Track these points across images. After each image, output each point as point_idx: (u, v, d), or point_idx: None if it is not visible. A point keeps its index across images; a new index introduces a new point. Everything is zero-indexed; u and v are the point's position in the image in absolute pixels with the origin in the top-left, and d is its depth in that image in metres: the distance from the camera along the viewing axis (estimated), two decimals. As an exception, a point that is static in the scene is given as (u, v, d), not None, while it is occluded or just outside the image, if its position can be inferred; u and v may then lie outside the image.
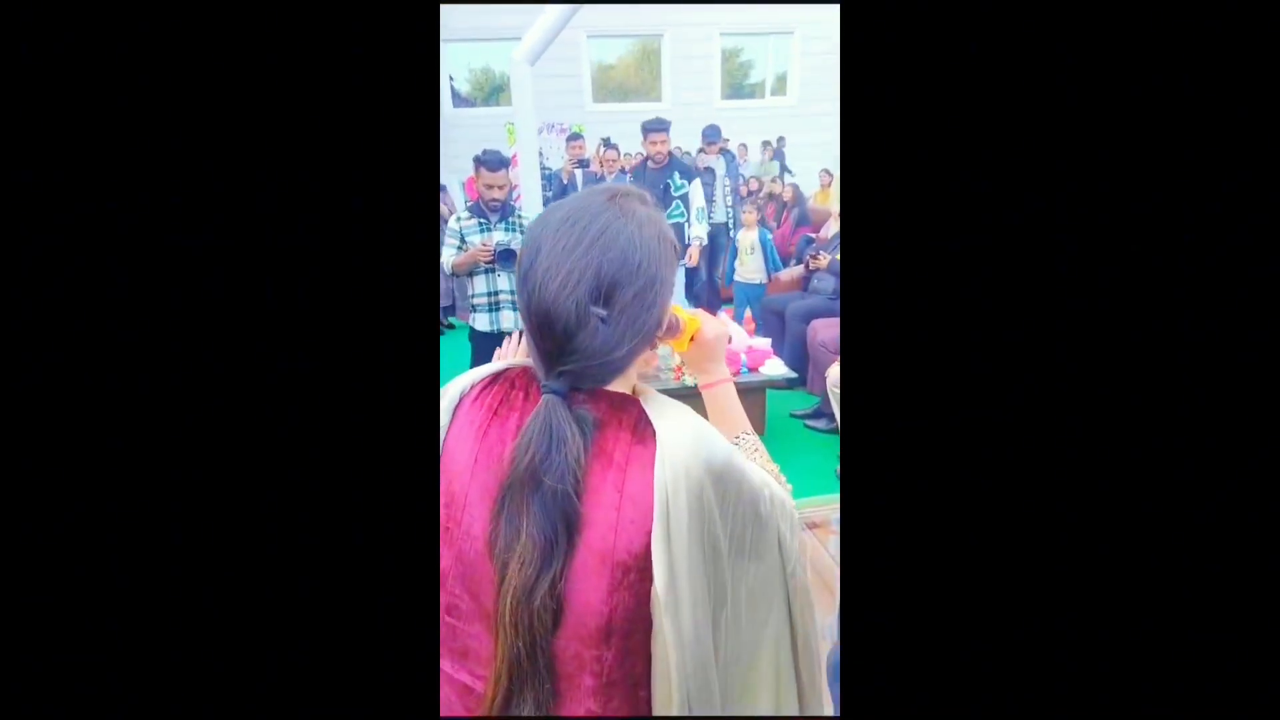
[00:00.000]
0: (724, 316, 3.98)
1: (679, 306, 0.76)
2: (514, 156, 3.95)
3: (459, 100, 10.03)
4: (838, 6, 0.46)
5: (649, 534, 0.57)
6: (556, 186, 5.76)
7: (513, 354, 0.84)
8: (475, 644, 0.61)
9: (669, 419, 0.61)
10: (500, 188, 2.68)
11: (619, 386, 0.64)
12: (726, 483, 0.61)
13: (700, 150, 4.65)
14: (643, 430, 0.61)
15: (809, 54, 9.81)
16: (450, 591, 0.62)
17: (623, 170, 5.09)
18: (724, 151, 4.94)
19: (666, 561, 0.57)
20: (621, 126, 9.31)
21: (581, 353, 0.59)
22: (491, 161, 2.70)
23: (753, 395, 3.08)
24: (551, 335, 0.59)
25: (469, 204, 2.93)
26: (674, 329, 0.73)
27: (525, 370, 0.67)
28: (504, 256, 2.65)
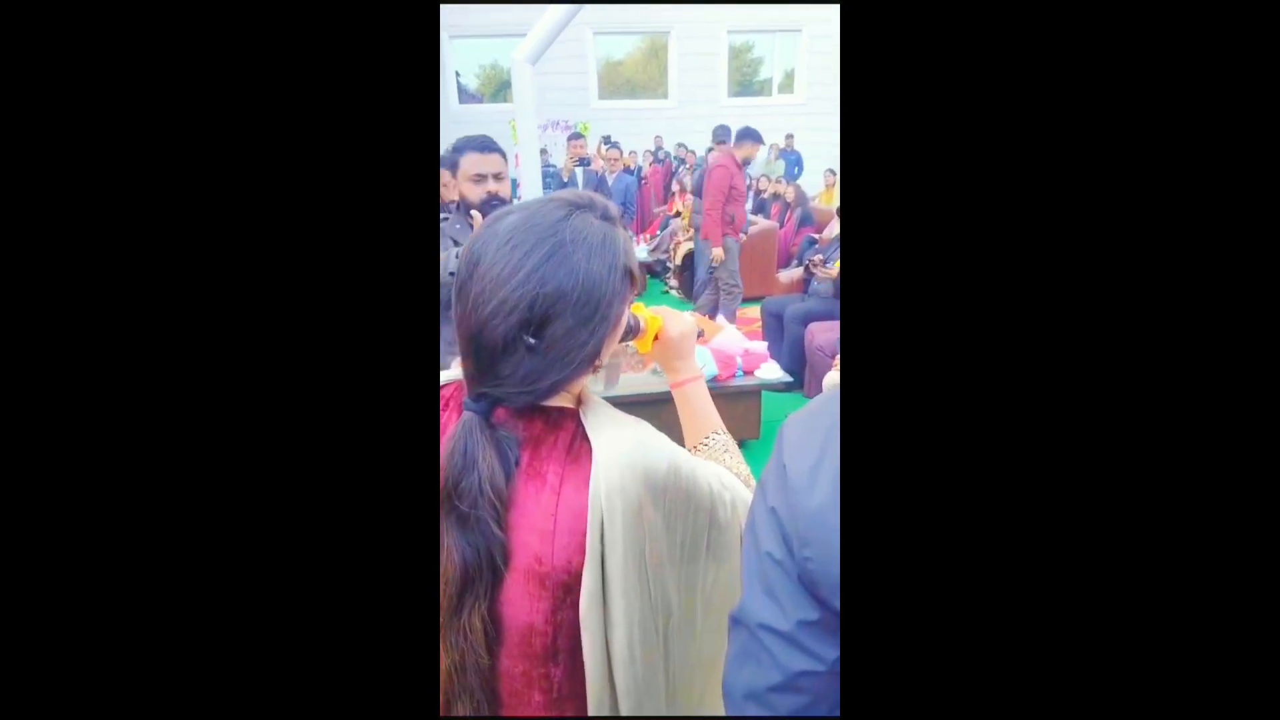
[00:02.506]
0: (721, 318, 3.97)
1: (640, 305, 0.74)
2: (516, 156, 3.95)
3: (466, 96, 10.03)
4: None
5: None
6: (556, 185, 5.75)
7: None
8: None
9: (606, 434, 0.59)
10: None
11: (560, 399, 0.62)
12: (672, 493, 0.60)
13: (710, 149, 4.64)
14: (578, 448, 0.59)
15: (816, 52, 9.76)
16: None
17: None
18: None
19: (597, 582, 0.57)
20: (627, 124, 9.31)
21: (504, 379, 0.57)
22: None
23: (748, 399, 3.07)
24: (477, 358, 0.57)
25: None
26: (635, 330, 0.72)
27: (460, 388, 0.65)
28: None
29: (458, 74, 9.84)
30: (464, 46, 9.62)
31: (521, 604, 0.58)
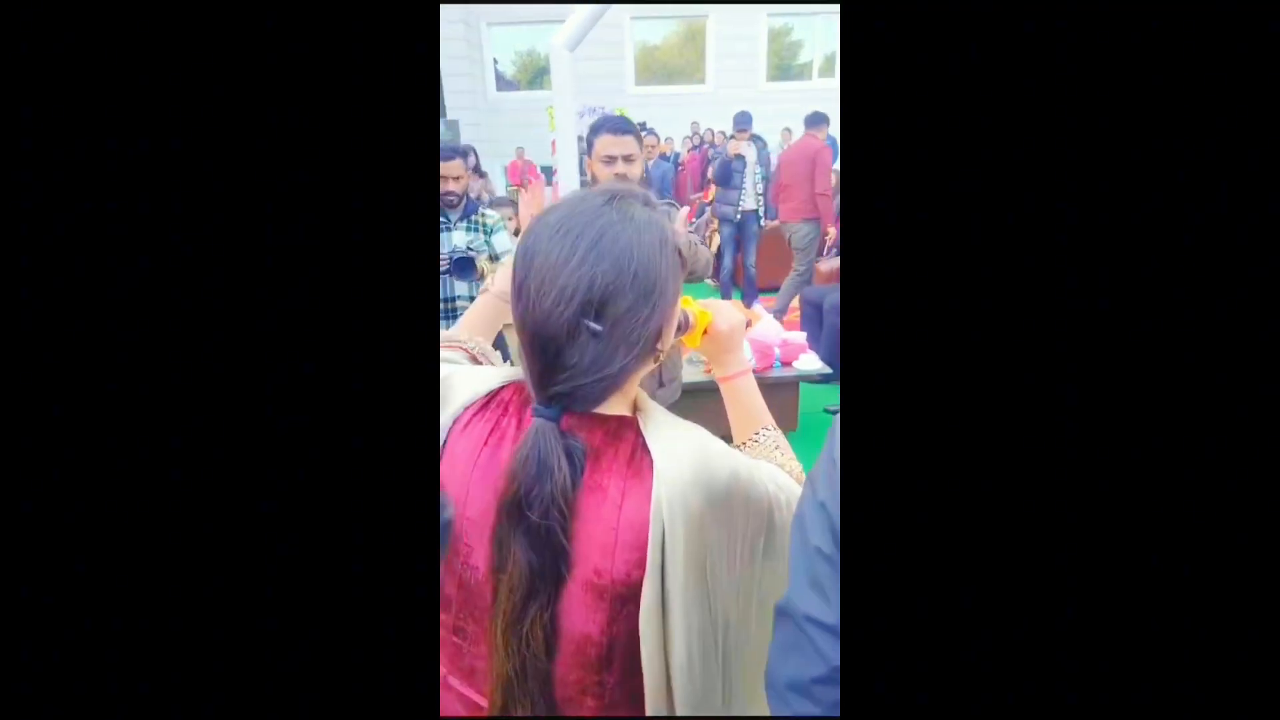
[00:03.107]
0: (759, 308, 3.94)
1: (689, 299, 0.74)
2: (553, 143, 3.96)
3: (503, 83, 10.06)
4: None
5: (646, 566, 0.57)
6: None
7: (466, 331, 0.80)
8: (481, 664, 0.63)
9: (666, 445, 0.59)
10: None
11: (617, 406, 0.61)
12: (733, 502, 0.59)
13: (731, 137, 4.61)
14: (639, 461, 0.59)
15: (859, 34, 9.51)
16: (457, 615, 0.63)
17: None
18: (754, 138, 4.87)
19: (656, 595, 0.57)
20: (663, 110, 9.23)
21: (572, 370, 0.56)
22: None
23: (785, 390, 3.04)
24: (543, 353, 0.57)
25: (451, 195, 2.33)
26: (684, 325, 0.71)
27: (518, 389, 0.64)
28: (459, 266, 2.22)
29: (495, 61, 9.88)
30: (501, 34, 9.65)
31: (578, 614, 0.58)
